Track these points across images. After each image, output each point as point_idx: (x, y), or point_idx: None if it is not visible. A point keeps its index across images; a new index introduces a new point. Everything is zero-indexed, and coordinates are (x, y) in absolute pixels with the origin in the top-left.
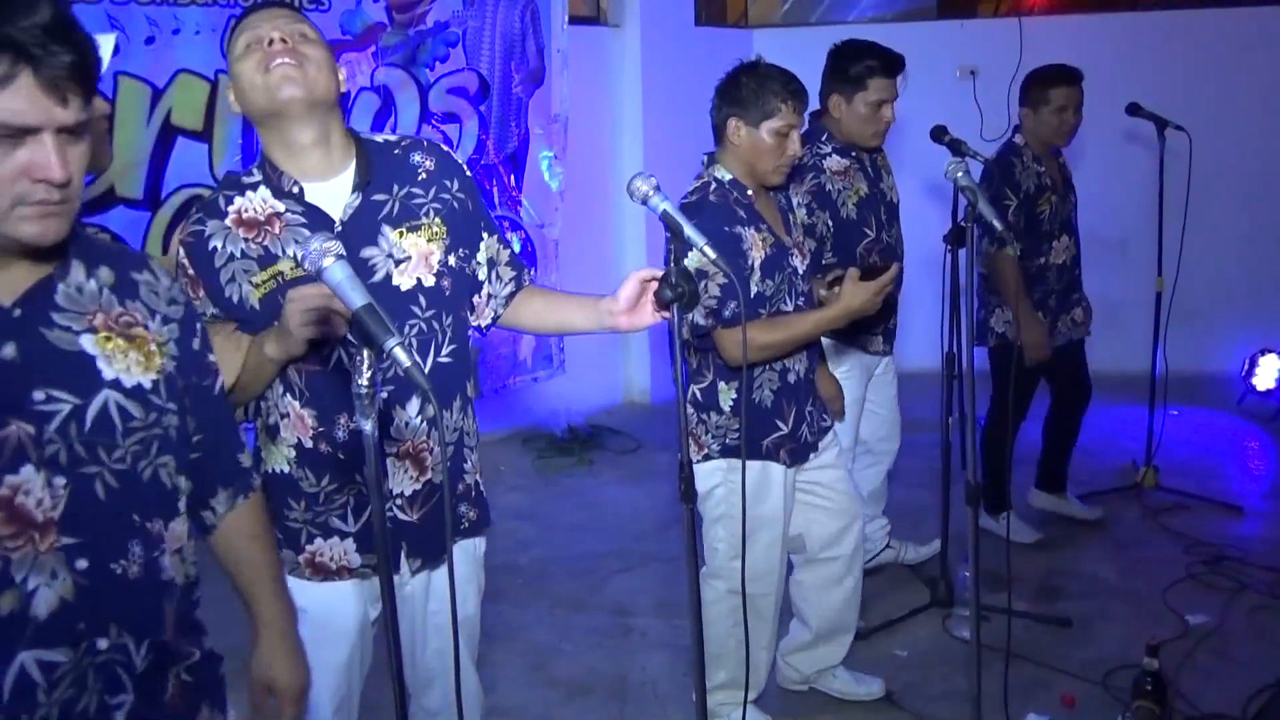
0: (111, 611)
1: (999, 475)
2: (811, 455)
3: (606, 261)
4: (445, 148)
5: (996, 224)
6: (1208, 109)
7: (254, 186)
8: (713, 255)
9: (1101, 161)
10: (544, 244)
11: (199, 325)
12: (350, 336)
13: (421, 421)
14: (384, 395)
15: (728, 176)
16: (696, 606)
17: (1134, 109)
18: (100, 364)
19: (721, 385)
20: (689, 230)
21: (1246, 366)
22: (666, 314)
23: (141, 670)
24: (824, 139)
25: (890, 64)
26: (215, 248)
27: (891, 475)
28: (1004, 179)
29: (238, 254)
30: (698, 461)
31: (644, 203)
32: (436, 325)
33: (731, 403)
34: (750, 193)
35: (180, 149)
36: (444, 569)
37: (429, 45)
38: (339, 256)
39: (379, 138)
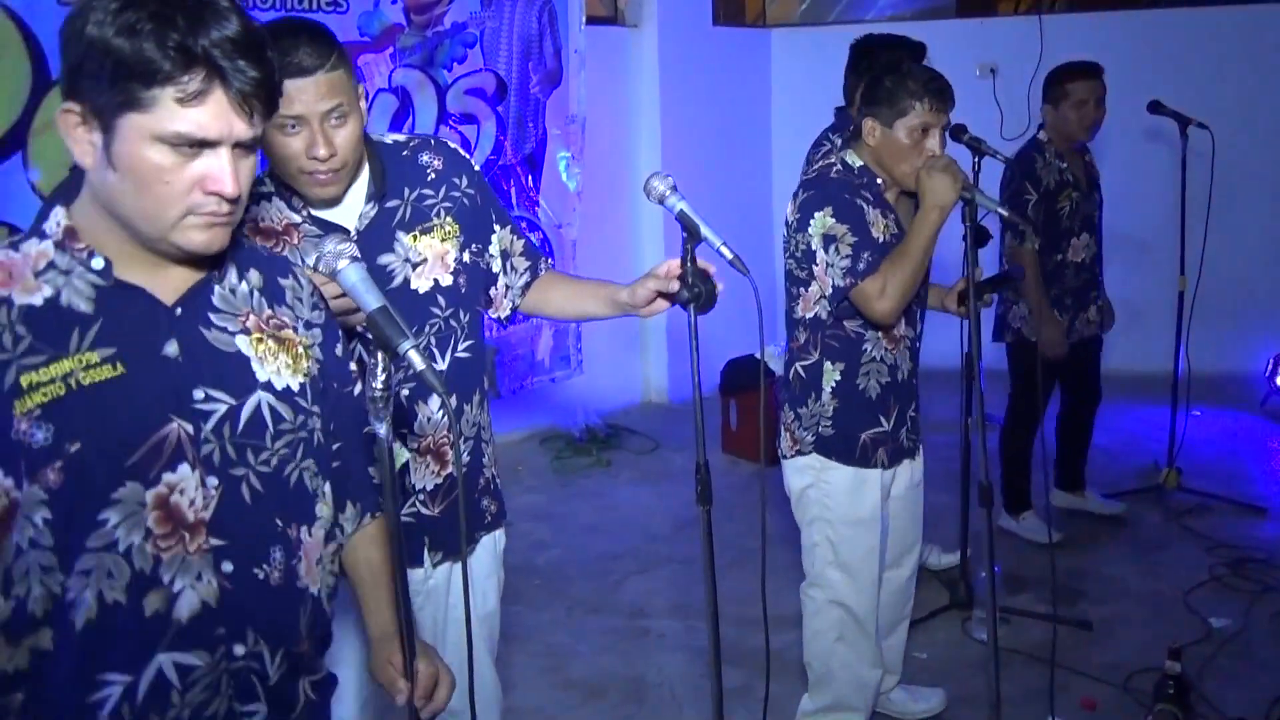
0: (251, 617)
1: (1018, 474)
2: (906, 460)
3: (624, 261)
4: (453, 145)
5: (1002, 211)
6: (1230, 106)
7: (267, 197)
8: (730, 255)
9: (1123, 160)
10: (562, 244)
11: (340, 332)
12: (366, 339)
13: (443, 416)
14: (405, 392)
15: (858, 163)
16: (714, 609)
17: (1156, 107)
18: (254, 365)
19: (827, 365)
20: (705, 230)
21: (1270, 367)
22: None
23: (275, 681)
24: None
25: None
26: None
27: None
28: (1024, 174)
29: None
30: (789, 457)
31: (661, 202)
32: (454, 323)
33: (834, 384)
34: (880, 181)
35: None
36: (469, 560)
37: (447, 46)
38: (354, 259)
39: (389, 138)
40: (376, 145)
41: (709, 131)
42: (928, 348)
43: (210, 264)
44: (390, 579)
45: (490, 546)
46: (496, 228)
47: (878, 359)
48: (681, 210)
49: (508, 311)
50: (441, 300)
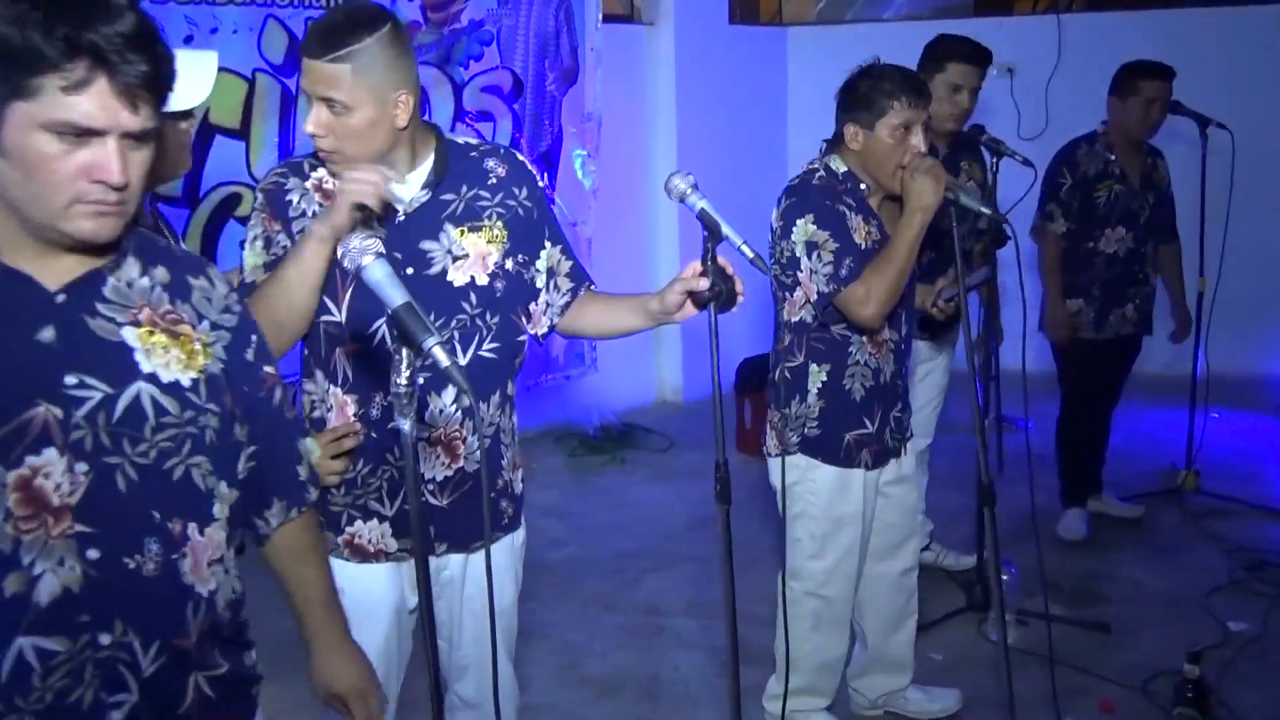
0: (119, 607)
1: (1074, 465)
2: (892, 460)
3: (640, 259)
4: (522, 157)
5: (985, 210)
6: (1250, 106)
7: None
8: (750, 254)
9: None
10: (577, 242)
11: (254, 338)
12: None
13: (456, 410)
14: (420, 382)
15: (842, 168)
16: (731, 607)
17: (1175, 107)
18: (138, 356)
19: (813, 367)
20: (726, 229)
21: None
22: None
23: (150, 673)
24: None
25: (976, 52)
26: (291, 200)
27: (928, 473)
28: (1063, 160)
29: (308, 213)
30: (774, 455)
31: (682, 201)
32: (481, 322)
33: (820, 386)
34: (864, 187)
35: (218, 147)
36: (481, 555)
37: (463, 44)
38: (378, 255)
39: (461, 140)
40: (447, 142)
41: (725, 130)
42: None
43: (106, 254)
44: (323, 585)
45: (508, 544)
46: (547, 244)
47: (862, 363)
48: (703, 209)
49: (545, 329)
50: (473, 298)
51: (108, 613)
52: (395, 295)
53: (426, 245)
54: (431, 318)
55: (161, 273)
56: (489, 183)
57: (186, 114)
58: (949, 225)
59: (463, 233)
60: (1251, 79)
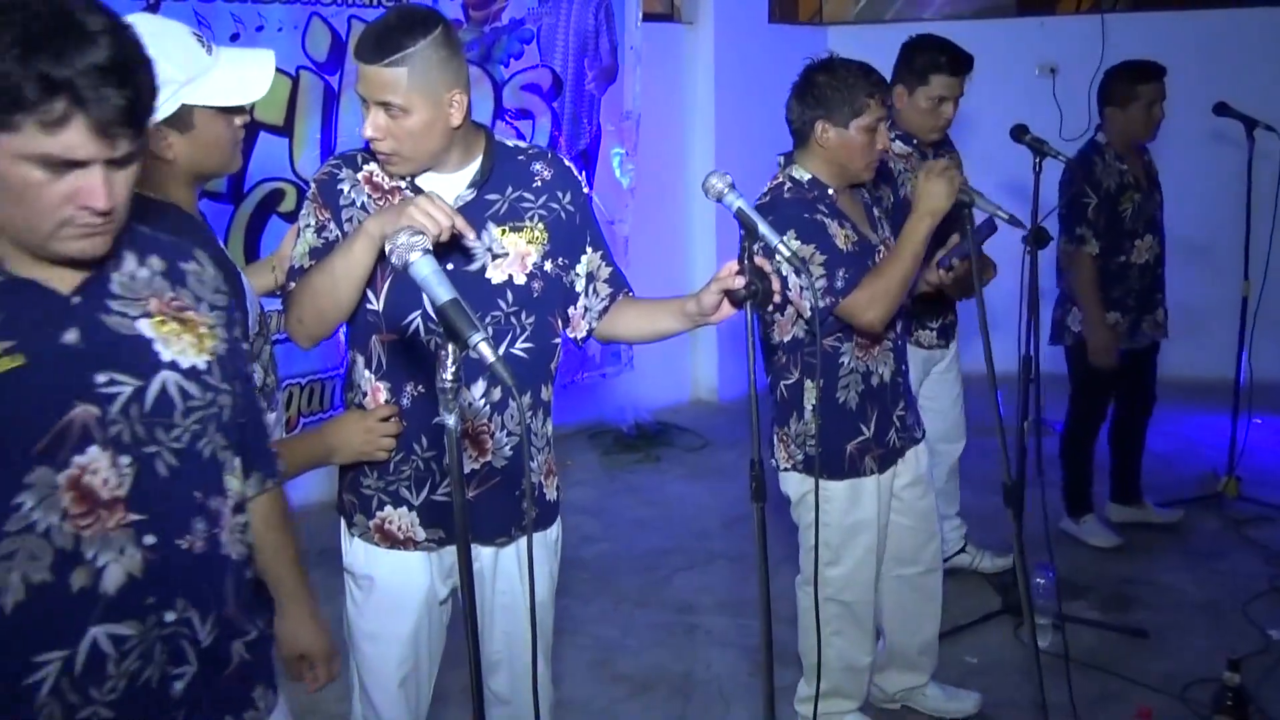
0: (178, 585)
1: (1079, 477)
2: (900, 461)
3: (677, 258)
4: (569, 163)
5: (1003, 215)
6: None
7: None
8: (788, 252)
9: (1188, 162)
10: (614, 241)
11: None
12: (432, 318)
13: (485, 404)
14: (457, 386)
15: (806, 176)
16: (766, 606)
17: (1221, 108)
18: (157, 346)
19: (807, 383)
20: (764, 228)
21: None
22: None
23: (206, 644)
24: (888, 125)
25: (957, 62)
26: (342, 190)
27: (959, 474)
28: (1084, 177)
29: (359, 203)
30: (785, 469)
31: (719, 200)
32: (515, 321)
33: (814, 403)
34: (831, 191)
35: (262, 144)
36: (511, 550)
37: (504, 42)
38: (425, 251)
39: (510, 143)
40: (496, 143)
41: (763, 129)
42: (980, 349)
43: (103, 256)
44: (291, 551)
45: (539, 540)
46: (588, 249)
47: (853, 370)
48: (740, 208)
49: (584, 332)
50: (510, 296)
51: (169, 592)
52: (441, 292)
53: (468, 241)
54: None
55: (157, 261)
56: (534, 185)
57: (239, 109)
58: (963, 227)
59: (504, 232)
60: None
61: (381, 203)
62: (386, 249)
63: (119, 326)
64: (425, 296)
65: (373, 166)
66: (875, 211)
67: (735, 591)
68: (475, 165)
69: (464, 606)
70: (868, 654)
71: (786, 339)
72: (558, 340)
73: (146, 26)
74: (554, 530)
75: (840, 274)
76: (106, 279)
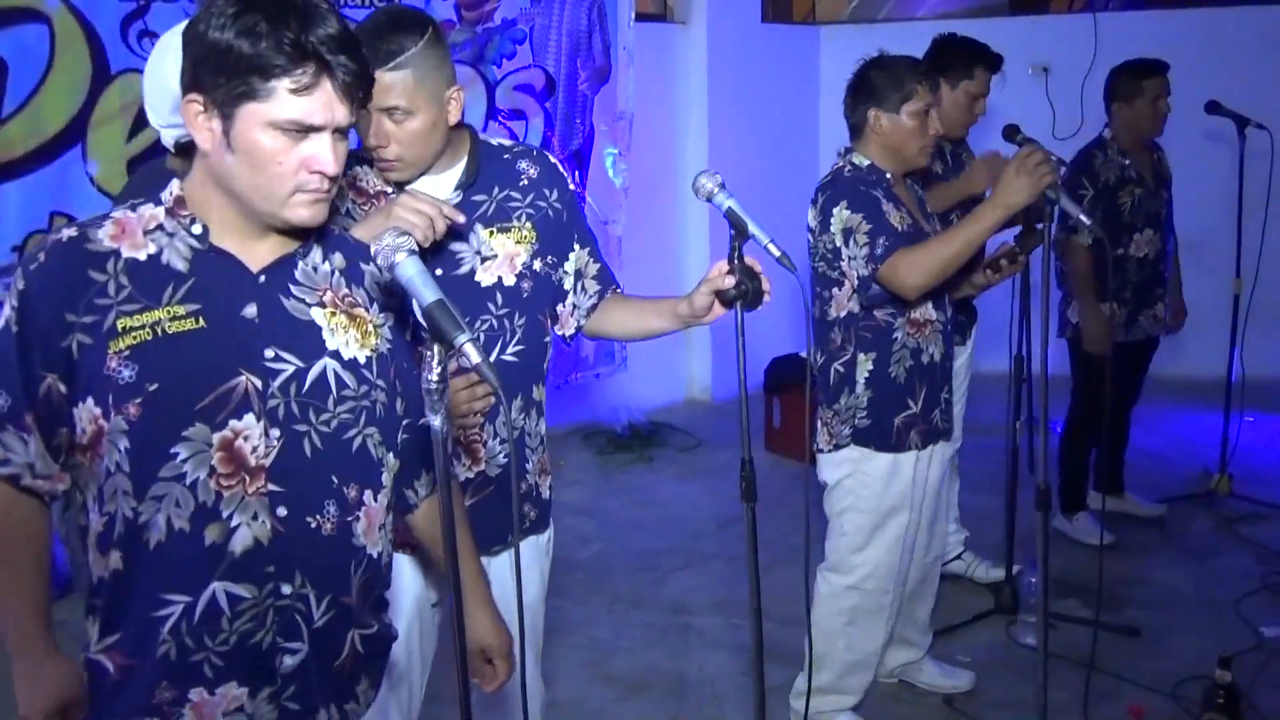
0: (300, 561)
1: (1078, 474)
2: (943, 443)
3: (670, 258)
4: (554, 159)
5: (1085, 220)
6: None
7: (369, 162)
8: (778, 252)
9: (1180, 160)
10: (608, 240)
11: (413, 320)
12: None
13: (476, 413)
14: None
15: (865, 162)
16: (757, 607)
17: (1213, 107)
18: (325, 334)
19: (861, 356)
20: (753, 227)
21: None
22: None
23: (320, 624)
24: None
25: (995, 60)
26: None
27: (960, 477)
28: (1082, 169)
29: (343, 211)
30: (827, 451)
31: (709, 200)
32: (507, 324)
33: (868, 374)
34: (889, 177)
35: None
36: (505, 556)
37: (496, 42)
38: (411, 253)
39: (494, 141)
40: (481, 144)
41: (757, 129)
42: (977, 349)
43: (298, 241)
44: (470, 548)
45: (533, 543)
46: (576, 247)
47: (905, 345)
48: (730, 208)
49: (572, 330)
50: (499, 298)
51: (290, 566)
52: (427, 293)
53: (456, 246)
54: None
55: (339, 259)
56: (520, 183)
57: None
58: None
59: (492, 233)
60: None
61: (367, 208)
62: (372, 251)
63: (294, 310)
64: (412, 303)
65: (355, 171)
66: (928, 208)
67: (729, 592)
68: (460, 166)
69: (453, 609)
70: (876, 646)
71: (842, 314)
72: (548, 339)
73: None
74: (547, 534)
75: (881, 241)
76: (293, 265)
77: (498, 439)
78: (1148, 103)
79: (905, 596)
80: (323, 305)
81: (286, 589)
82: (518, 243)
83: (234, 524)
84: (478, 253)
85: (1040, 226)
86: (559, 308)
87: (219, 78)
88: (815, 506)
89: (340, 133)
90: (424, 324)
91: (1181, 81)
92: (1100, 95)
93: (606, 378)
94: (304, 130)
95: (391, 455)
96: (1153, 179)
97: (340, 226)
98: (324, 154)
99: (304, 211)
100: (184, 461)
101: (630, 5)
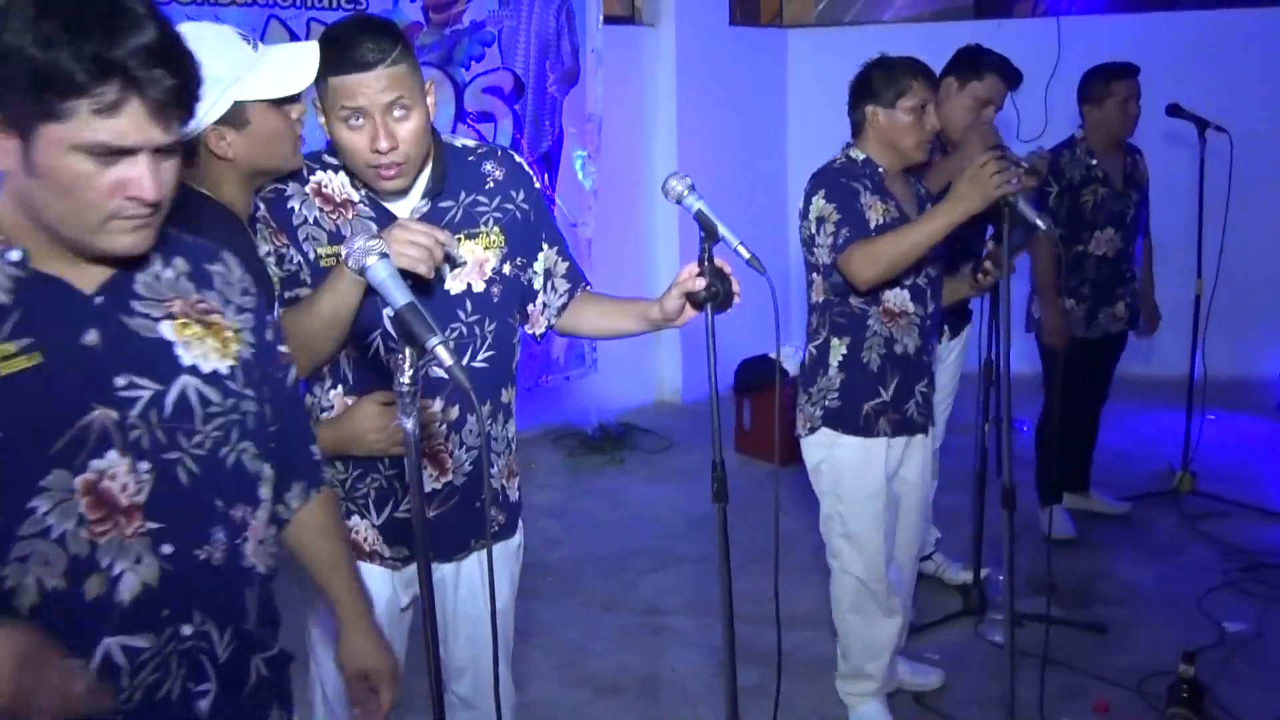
0: (196, 598)
1: (1050, 466)
2: (920, 437)
3: (640, 260)
4: (519, 158)
5: (1040, 224)
6: (1249, 110)
7: (335, 169)
8: (747, 254)
9: None
10: (577, 243)
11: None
12: (392, 335)
13: (442, 424)
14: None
15: (862, 156)
16: (728, 607)
17: (1174, 110)
18: (178, 350)
19: (834, 340)
20: (723, 229)
21: None
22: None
23: (224, 659)
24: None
25: (1010, 72)
26: (293, 208)
27: (939, 476)
28: (1049, 167)
29: (311, 219)
30: (804, 435)
31: (679, 202)
32: (478, 330)
33: (841, 358)
34: (882, 170)
35: None
36: (473, 560)
37: (465, 44)
38: (382, 255)
39: (458, 142)
40: (445, 146)
41: (725, 131)
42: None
43: (143, 253)
44: (347, 565)
45: (501, 549)
46: (545, 246)
47: (877, 332)
48: (699, 210)
49: (543, 329)
50: (469, 305)
51: (186, 605)
52: (398, 296)
53: (454, 253)
54: None
55: (181, 263)
56: (486, 187)
57: (293, 100)
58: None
59: (460, 240)
60: (1250, 82)
61: (334, 215)
62: (343, 253)
63: (140, 328)
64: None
65: (320, 177)
66: (929, 206)
67: (701, 592)
68: (426, 173)
69: (424, 616)
70: (886, 633)
71: (819, 300)
72: (517, 340)
73: (193, 31)
74: (516, 538)
75: (844, 232)
76: (131, 279)
77: (464, 448)
78: (1117, 105)
79: (905, 585)
80: (172, 317)
81: (187, 630)
82: (486, 248)
83: (116, 572)
84: (446, 259)
85: (992, 241)
86: (529, 307)
87: (14, 93)
88: (785, 507)
89: (165, 151)
90: (395, 327)
91: (1143, 84)
92: (1063, 98)
93: (577, 380)
94: (115, 153)
95: (267, 466)
96: (1122, 181)
97: (312, 238)
98: (140, 178)
99: (124, 239)
100: (46, 514)
101: (598, 7)
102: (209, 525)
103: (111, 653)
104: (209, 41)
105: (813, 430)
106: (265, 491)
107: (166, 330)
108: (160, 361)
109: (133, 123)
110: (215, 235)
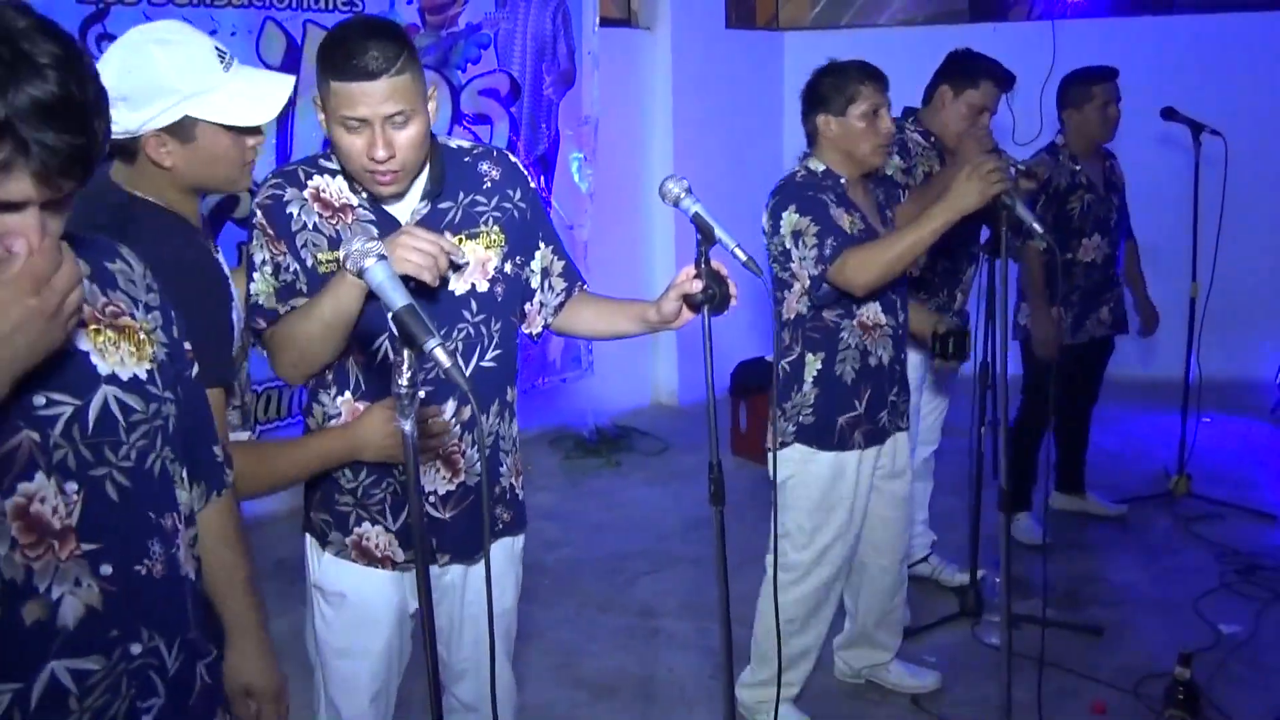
0: (142, 615)
1: (1022, 473)
2: (889, 440)
3: (636, 263)
4: (514, 158)
5: (1037, 228)
6: (1244, 113)
7: (332, 174)
8: (744, 257)
9: (1136, 166)
10: (573, 245)
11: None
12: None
13: (455, 424)
14: (421, 395)
15: (821, 167)
16: (725, 609)
17: (1169, 113)
18: (94, 359)
19: (809, 356)
20: (720, 232)
21: None
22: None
23: (174, 672)
24: (911, 121)
25: (1005, 77)
26: (291, 214)
27: (933, 480)
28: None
29: (310, 225)
30: (774, 449)
31: (675, 205)
32: (484, 329)
33: (815, 374)
34: (843, 181)
35: None
36: (482, 564)
37: (461, 47)
38: (380, 257)
39: (454, 143)
40: (441, 148)
41: (721, 134)
42: None
43: None
44: (244, 574)
45: (508, 547)
46: (541, 245)
47: (852, 346)
48: (696, 213)
49: (540, 328)
50: (474, 305)
51: (133, 623)
52: (397, 298)
53: (456, 258)
54: None
55: (82, 265)
56: (484, 186)
57: (255, 130)
58: (996, 230)
59: (461, 240)
60: (1245, 86)
61: (333, 221)
62: (341, 255)
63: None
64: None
65: (318, 181)
66: (888, 213)
67: (697, 594)
68: (424, 174)
69: (423, 617)
70: (813, 642)
71: (792, 316)
72: (517, 339)
73: (168, 35)
74: (522, 538)
75: (829, 242)
76: None
77: (475, 447)
78: (1097, 108)
79: (872, 605)
80: (83, 325)
81: (137, 648)
82: (487, 248)
83: (55, 596)
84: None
85: (1004, 231)
86: (526, 306)
87: None
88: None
89: (58, 204)
90: (393, 329)
91: (1138, 88)
92: None
93: (573, 382)
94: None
95: (182, 468)
96: (1103, 185)
97: (312, 244)
98: (27, 232)
99: (2, 292)
100: None
101: (595, 10)
102: (145, 539)
103: (58, 676)
104: (179, 48)
105: (784, 445)
106: (183, 495)
107: (80, 339)
108: (76, 374)
109: (19, 186)
110: (163, 252)
